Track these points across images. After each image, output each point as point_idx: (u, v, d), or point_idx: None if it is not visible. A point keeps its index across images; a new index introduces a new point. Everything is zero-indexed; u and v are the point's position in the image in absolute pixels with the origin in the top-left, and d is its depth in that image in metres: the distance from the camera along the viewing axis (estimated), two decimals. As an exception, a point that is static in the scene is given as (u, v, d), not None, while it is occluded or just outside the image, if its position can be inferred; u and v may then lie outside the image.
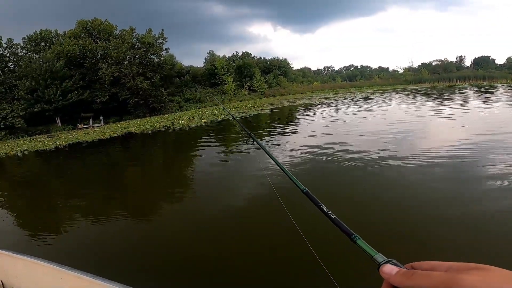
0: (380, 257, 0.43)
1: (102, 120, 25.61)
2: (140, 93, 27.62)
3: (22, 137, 21.70)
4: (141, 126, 18.42)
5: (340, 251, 2.57)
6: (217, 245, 3.19)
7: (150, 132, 15.53)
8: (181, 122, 17.41)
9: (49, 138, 18.19)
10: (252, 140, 1.82)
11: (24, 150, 13.98)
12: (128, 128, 18.28)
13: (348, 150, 6.49)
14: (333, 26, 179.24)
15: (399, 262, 0.40)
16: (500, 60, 57.79)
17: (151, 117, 26.41)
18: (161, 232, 3.69)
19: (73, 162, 10.30)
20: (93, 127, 23.88)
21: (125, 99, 27.71)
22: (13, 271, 1.32)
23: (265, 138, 9.32)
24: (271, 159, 1.26)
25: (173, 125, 16.95)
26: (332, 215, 0.61)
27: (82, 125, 24.51)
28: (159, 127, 16.78)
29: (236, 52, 46.78)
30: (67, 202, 5.54)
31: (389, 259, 0.41)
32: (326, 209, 0.64)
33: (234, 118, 2.74)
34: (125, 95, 27.45)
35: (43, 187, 7.19)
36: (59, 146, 13.97)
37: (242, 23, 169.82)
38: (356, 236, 0.51)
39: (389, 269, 0.38)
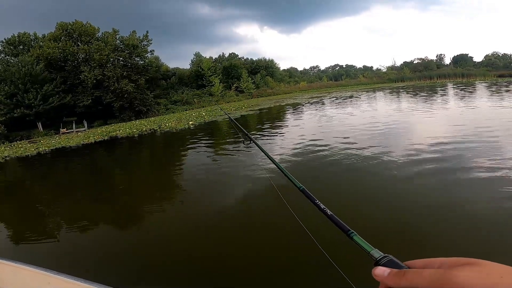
0: (376, 253, 0.42)
1: (86, 125, 24.94)
2: (125, 96, 27.06)
3: (3, 143, 20.85)
4: (127, 129, 18.08)
5: (344, 248, 2.60)
6: (216, 245, 3.20)
7: (136, 135, 15.29)
8: (168, 125, 17.22)
9: (31, 144, 17.56)
10: (249, 140, 1.81)
11: (6, 157, 13.46)
12: (113, 132, 17.90)
13: (338, 147, 6.65)
14: (319, 26, 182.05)
15: (396, 258, 0.39)
16: (478, 58, 60.35)
17: (137, 120, 25.95)
18: (154, 235, 3.66)
19: (57, 167, 10.02)
20: (76, 131, 23.22)
21: (110, 103, 27.08)
22: (1, 277, 1.32)
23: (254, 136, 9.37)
24: (264, 158, 1.29)
25: (160, 128, 16.74)
26: (329, 212, 0.61)
27: (65, 129, 23.76)
28: (146, 131, 16.53)
29: (223, 53, 46.62)
30: (52, 208, 5.41)
31: (386, 255, 0.41)
32: (322, 206, 0.65)
33: (232, 119, 2.75)
34: (109, 98, 26.83)
35: (27, 193, 6.97)
36: (42, 152, 13.53)
37: (229, 24, 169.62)
38: (353, 232, 0.52)
39: (381, 271, 0.37)
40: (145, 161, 9.24)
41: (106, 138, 15.76)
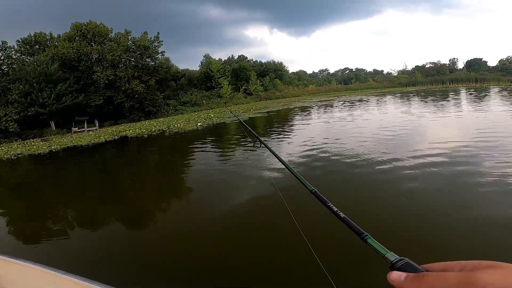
0: (392, 256, 0.41)
1: (97, 124, 25.43)
2: (136, 96, 27.49)
3: (16, 141, 21.43)
4: (137, 129, 18.33)
5: (344, 255, 2.60)
6: (217, 245, 3.22)
7: (145, 135, 15.48)
8: (177, 126, 17.38)
9: (43, 142, 18.00)
10: (259, 143, 1.79)
11: (18, 154, 13.82)
12: (123, 131, 18.18)
13: (347, 151, 6.56)
14: (330, 29, 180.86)
15: (412, 261, 0.38)
16: (492, 62, 58.75)
17: (147, 120, 26.30)
18: (161, 235, 3.68)
19: (68, 166, 10.22)
20: (87, 131, 23.70)
21: (120, 103, 27.55)
22: (7, 275, 1.33)
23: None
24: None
25: (169, 128, 16.91)
26: (342, 215, 0.60)
27: (76, 128, 24.28)
28: (155, 131, 16.73)
29: (232, 55, 46.99)
30: (62, 206, 5.51)
31: (401, 258, 0.39)
32: (335, 209, 0.63)
33: (242, 122, 2.78)
34: (120, 98, 27.30)
35: (38, 191, 7.12)
36: (54, 150, 13.84)
37: (239, 27, 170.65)
38: (367, 235, 0.50)
39: (397, 276, 0.36)
40: (153, 161, 9.33)
41: (116, 137, 16.01)
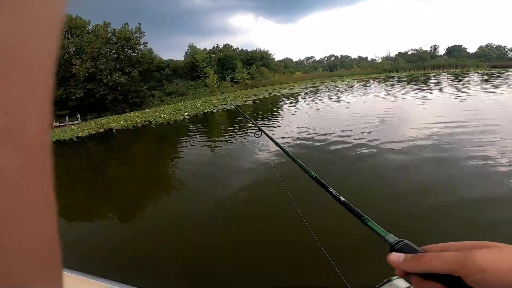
0: (391, 238, 0.42)
1: (79, 118, 24.65)
2: (119, 88, 26.75)
3: (-7, 138, 20.55)
4: (121, 122, 17.94)
5: (345, 238, 2.58)
6: (217, 238, 3.18)
7: (131, 127, 15.20)
8: (163, 116, 17.13)
9: (23, 138, 17.33)
10: (260, 132, 1.74)
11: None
12: (107, 124, 17.76)
13: (335, 136, 6.73)
14: (315, 16, 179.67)
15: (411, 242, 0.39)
16: (472, 49, 60.45)
17: (131, 112, 25.72)
18: (154, 227, 3.64)
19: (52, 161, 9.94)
20: (70, 125, 22.97)
21: (103, 95, 26.75)
22: None
23: (249, 126, 9.43)
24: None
25: (155, 119, 16.65)
26: (342, 199, 0.61)
27: (58, 123, 23.47)
28: (141, 122, 16.43)
29: (217, 44, 46.01)
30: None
31: (401, 239, 0.40)
32: (336, 193, 0.64)
33: (239, 110, 2.57)
34: (102, 91, 26.50)
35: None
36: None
37: (223, 15, 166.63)
38: (367, 218, 0.51)
39: (396, 257, 0.37)
40: (141, 153, 9.24)
41: (100, 130, 15.64)
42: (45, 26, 0.11)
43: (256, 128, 1.76)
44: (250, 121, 2.02)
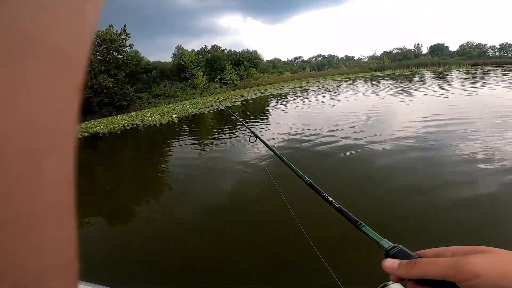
0: (386, 243, 0.42)
1: (64, 122, 24.00)
2: (104, 91, 26.21)
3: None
4: (108, 125, 17.56)
5: (339, 241, 2.58)
6: (211, 241, 3.13)
7: (118, 131, 14.90)
8: (151, 119, 16.87)
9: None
10: (255, 137, 1.73)
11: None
12: (93, 128, 17.35)
13: (326, 136, 6.80)
14: (303, 16, 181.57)
15: (406, 248, 0.39)
16: (453, 47, 62.40)
17: (118, 115, 25.22)
18: (146, 232, 3.58)
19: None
20: (54, 129, 22.31)
21: (88, 98, 26.14)
22: None
23: (239, 128, 9.41)
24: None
25: (142, 122, 16.39)
26: (336, 204, 0.61)
27: (41, 128, 22.78)
28: (128, 125, 16.14)
29: (205, 45, 45.82)
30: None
31: (395, 245, 0.40)
32: (330, 199, 0.64)
33: (233, 114, 2.60)
34: (87, 94, 25.86)
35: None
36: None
37: (211, 15, 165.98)
38: (361, 223, 0.51)
39: (390, 263, 0.37)
40: (130, 157, 9.07)
41: (86, 134, 15.27)
42: (82, 25, 0.11)
43: (250, 133, 1.75)
44: (245, 125, 2.00)
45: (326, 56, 79.22)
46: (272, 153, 1.20)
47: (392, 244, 0.41)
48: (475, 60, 43.73)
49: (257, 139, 1.68)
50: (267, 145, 1.44)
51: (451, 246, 0.35)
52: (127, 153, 9.41)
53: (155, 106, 28.64)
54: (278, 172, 3.37)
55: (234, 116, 2.42)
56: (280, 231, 2.93)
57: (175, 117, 16.02)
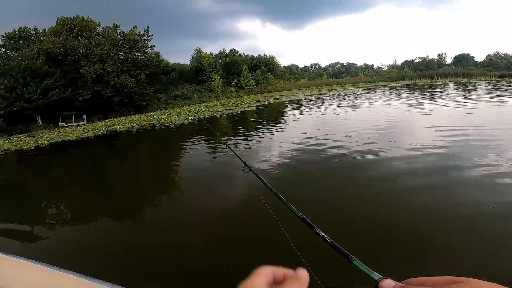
0: (375, 276, 0.47)
1: (84, 119, 25.01)
2: (125, 90, 27.08)
3: (2, 136, 20.91)
4: (126, 124, 18.13)
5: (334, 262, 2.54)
6: (210, 243, 3.18)
7: (135, 130, 15.34)
8: (168, 120, 17.26)
9: (30, 138, 17.61)
10: (247, 168, 1.77)
11: (5, 150, 13.53)
12: (112, 126, 17.95)
13: (339, 147, 6.70)
14: (322, 23, 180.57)
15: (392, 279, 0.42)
16: (479, 58, 59.96)
17: (137, 114, 25.99)
18: (153, 232, 3.65)
19: (56, 161, 10.09)
20: (75, 125, 23.29)
21: (109, 97, 27.09)
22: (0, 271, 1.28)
23: (252, 133, 9.43)
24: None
25: (159, 122, 16.79)
26: (328, 239, 0.63)
27: (64, 123, 23.83)
28: (145, 125, 16.59)
29: (223, 49, 46.44)
30: (53, 202, 5.47)
31: (385, 277, 0.44)
32: (322, 234, 0.66)
33: (228, 147, 2.70)
34: (109, 93, 26.84)
35: (27, 187, 7.04)
36: (41, 146, 13.60)
37: (230, 19, 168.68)
38: (352, 257, 0.55)
39: (387, 284, 0.40)
40: (145, 156, 9.30)
41: (105, 132, 15.81)
42: None
43: (244, 164, 1.78)
44: (240, 159, 1.98)
45: (344, 64, 78.33)
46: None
47: (381, 276, 0.45)
48: (502, 71, 41.77)
49: (250, 170, 1.69)
50: (259, 178, 1.44)
51: (434, 276, 0.37)
52: (141, 153, 9.64)
53: (172, 107, 29.30)
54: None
55: (233, 151, 2.42)
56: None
57: (191, 119, 16.30)
